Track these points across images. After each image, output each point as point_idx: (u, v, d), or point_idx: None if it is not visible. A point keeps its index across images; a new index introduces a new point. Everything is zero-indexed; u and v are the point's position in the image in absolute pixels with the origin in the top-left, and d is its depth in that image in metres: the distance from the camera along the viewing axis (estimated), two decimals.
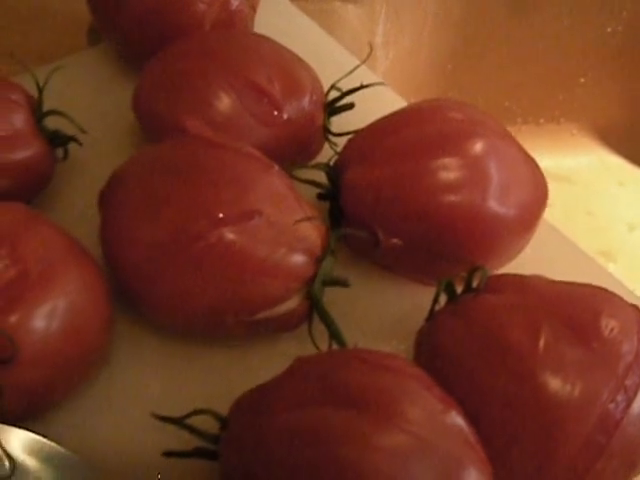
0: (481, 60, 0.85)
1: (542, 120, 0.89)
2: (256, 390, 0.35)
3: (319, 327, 0.41)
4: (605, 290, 0.40)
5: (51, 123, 0.48)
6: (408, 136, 0.44)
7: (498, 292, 0.40)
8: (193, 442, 0.36)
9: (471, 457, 0.32)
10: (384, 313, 0.46)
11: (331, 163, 0.47)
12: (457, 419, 0.33)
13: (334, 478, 0.30)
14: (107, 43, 0.61)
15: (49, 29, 0.63)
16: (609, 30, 0.85)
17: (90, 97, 0.57)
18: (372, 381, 0.33)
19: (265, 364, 0.43)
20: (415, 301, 0.46)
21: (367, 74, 0.56)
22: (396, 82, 0.71)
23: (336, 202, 0.46)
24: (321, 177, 0.47)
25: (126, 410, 0.41)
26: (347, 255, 0.47)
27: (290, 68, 0.50)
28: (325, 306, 0.41)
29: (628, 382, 0.35)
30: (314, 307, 0.41)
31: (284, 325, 0.42)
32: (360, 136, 0.47)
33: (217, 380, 0.42)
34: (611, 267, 0.75)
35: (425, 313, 0.42)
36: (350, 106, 0.50)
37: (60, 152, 0.49)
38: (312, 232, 0.41)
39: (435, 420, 0.32)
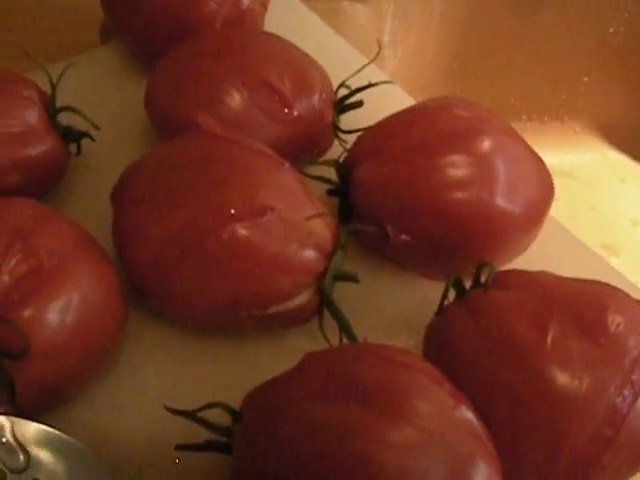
0: (487, 59, 0.85)
1: (546, 118, 0.89)
2: (268, 384, 0.36)
3: (329, 322, 0.42)
4: (611, 286, 0.40)
5: (64, 120, 0.48)
6: (417, 134, 0.45)
7: (506, 288, 0.40)
8: (202, 435, 0.36)
9: (481, 451, 0.32)
10: (393, 308, 0.46)
11: (340, 160, 0.48)
12: (467, 414, 0.33)
13: (345, 471, 0.31)
14: (119, 41, 0.61)
15: (62, 27, 0.63)
16: (611, 30, 0.85)
17: (102, 94, 0.57)
18: (383, 376, 0.33)
19: (275, 359, 0.43)
20: (424, 296, 0.46)
21: (375, 72, 0.56)
22: (403, 81, 0.71)
23: (346, 198, 0.47)
24: (331, 173, 0.47)
25: (138, 403, 0.41)
26: (357, 251, 0.47)
27: (300, 66, 0.50)
28: (335, 301, 0.42)
29: (634, 377, 0.36)
30: (324, 302, 0.42)
31: (295, 320, 0.43)
32: (369, 133, 0.47)
33: (228, 374, 0.43)
34: (614, 261, 0.76)
35: (434, 308, 0.42)
36: (359, 104, 0.51)
37: (73, 148, 0.49)
38: (323, 228, 0.41)
39: (445, 415, 0.32)
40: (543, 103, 0.88)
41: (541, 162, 0.47)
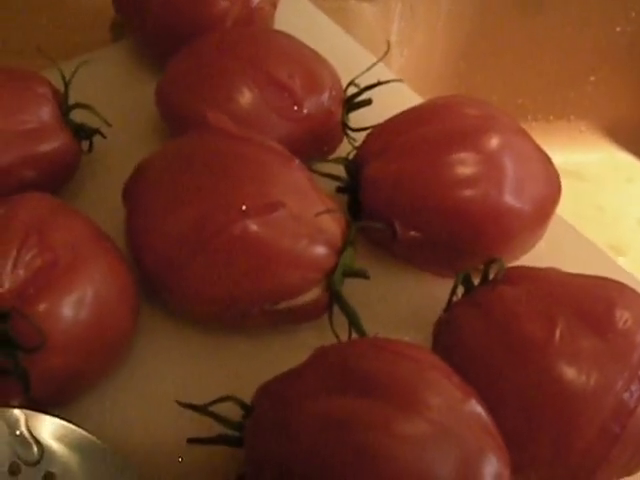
0: (493, 58, 0.85)
1: (552, 117, 0.89)
2: (279, 378, 0.36)
3: (339, 318, 0.42)
4: (619, 283, 0.40)
5: (77, 116, 0.48)
6: (425, 131, 0.45)
7: (514, 284, 0.40)
8: (214, 429, 0.36)
9: (490, 445, 0.32)
10: (403, 304, 0.46)
11: (350, 157, 0.48)
12: (476, 407, 0.33)
13: (356, 465, 0.31)
14: (131, 39, 0.61)
15: (75, 25, 0.64)
16: (618, 30, 0.85)
17: (114, 91, 0.57)
18: (393, 369, 0.34)
19: (285, 354, 0.43)
20: (433, 292, 0.46)
21: (384, 71, 0.56)
22: (410, 79, 0.71)
23: (355, 195, 0.47)
24: (340, 171, 0.47)
25: (150, 398, 0.41)
26: (366, 247, 0.48)
27: (310, 64, 0.50)
28: (345, 297, 0.42)
29: None
30: (334, 298, 0.42)
31: (305, 315, 0.43)
32: (378, 131, 0.48)
33: (238, 369, 0.43)
34: (621, 260, 0.75)
35: (443, 304, 0.42)
36: (368, 102, 0.51)
37: (85, 145, 0.50)
38: (332, 224, 0.42)
39: (455, 408, 0.32)
40: (549, 102, 0.88)
41: (548, 160, 0.47)
